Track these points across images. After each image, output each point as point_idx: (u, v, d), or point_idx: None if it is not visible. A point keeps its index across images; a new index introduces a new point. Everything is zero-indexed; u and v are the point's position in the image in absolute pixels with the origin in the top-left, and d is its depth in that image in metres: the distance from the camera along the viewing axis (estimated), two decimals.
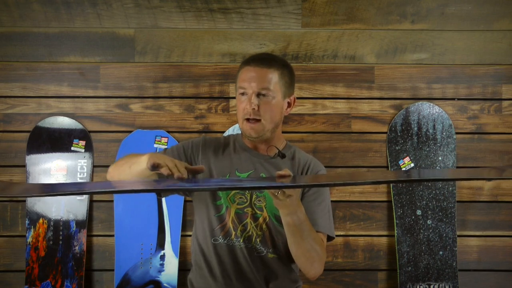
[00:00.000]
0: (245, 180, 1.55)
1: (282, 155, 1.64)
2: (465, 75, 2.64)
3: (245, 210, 1.62)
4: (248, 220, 1.61)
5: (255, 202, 1.62)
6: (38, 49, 2.60)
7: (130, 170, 1.50)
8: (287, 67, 1.67)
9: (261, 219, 1.61)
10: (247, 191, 1.62)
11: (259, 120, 1.60)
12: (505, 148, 2.64)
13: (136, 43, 2.61)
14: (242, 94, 1.61)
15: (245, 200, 1.62)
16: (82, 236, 2.53)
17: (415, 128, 2.60)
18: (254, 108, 1.58)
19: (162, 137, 2.58)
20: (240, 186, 1.47)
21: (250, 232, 1.61)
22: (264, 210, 1.61)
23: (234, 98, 2.59)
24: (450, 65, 2.64)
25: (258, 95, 1.59)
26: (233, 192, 1.61)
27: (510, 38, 2.64)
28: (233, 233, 1.61)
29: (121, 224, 2.52)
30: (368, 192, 2.62)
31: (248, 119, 1.60)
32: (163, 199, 2.52)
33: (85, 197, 2.56)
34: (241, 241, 1.61)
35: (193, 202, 1.71)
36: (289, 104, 1.68)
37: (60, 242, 2.53)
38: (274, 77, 1.61)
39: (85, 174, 2.57)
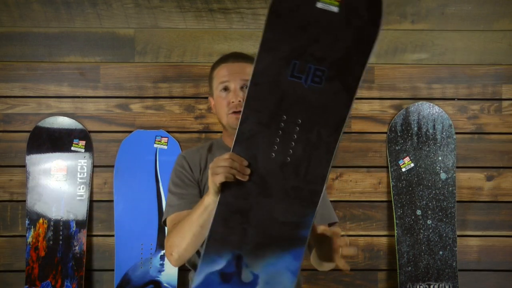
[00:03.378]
0: None
1: None
2: (465, 75, 2.64)
3: None
4: None
5: None
6: (38, 49, 2.60)
7: (193, 224, 1.42)
8: None
9: None
10: None
11: None
12: (505, 148, 2.64)
13: (136, 43, 2.61)
14: (224, 89, 1.64)
15: None
16: (82, 236, 2.53)
17: (415, 128, 2.60)
18: (240, 100, 1.60)
19: (162, 137, 2.58)
20: None
21: None
22: None
23: None
24: (450, 65, 2.64)
25: (242, 88, 1.62)
26: None
27: (510, 38, 2.64)
28: None
29: (121, 224, 2.52)
30: (368, 192, 2.62)
31: (235, 112, 1.61)
32: (163, 198, 2.52)
33: (85, 197, 2.56)
34: None
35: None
36: None
37: (60, 242, 2.53)
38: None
39: (85, 174, 2.57)
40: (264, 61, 1.32)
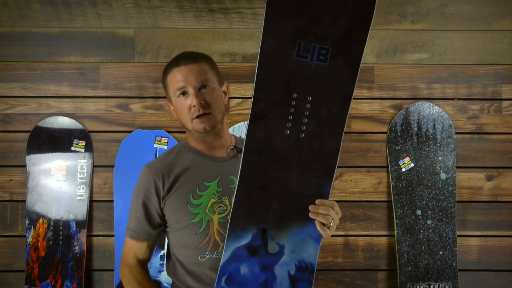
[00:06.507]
0: None
1: (240, 150, 1.63)
2: (465, 75, 2.64)
3: (227, 217, 1.54)
4: None
5: None
6: (38, 49, 2.60)
7: None
8: (210, 58, 1.67)
9: None
10: (224, 197, 1.58)
11: (209, 113, 1.57)
12: (505, 148, 2.64)
13: (136, 43, 2.61)
14: (182, 94, 1.58)
15: (225, 208, 1.57)
16: (82, 236, 2.53)
17: (415, 128, 2.60)
18: (201, 103, 1.56)
19: (162, 137, 2.58)
20: None
21: None
22: None
23: (235, 98, 2.60)
24: (450, 65, 2.64)
25: (200, 89, 1.57)
26: (210, 202, 1.57)
27: (510, 38, 2.64)
28: (221, 244, 1.55)
29: (121, 224, 2.52)
30: (368, 192, 2.62)
31: (198, 116, 1.57)
32: None
33: (85, 197, 2.56)
34: None
35: (168, 232, 1.62)
36: (225, 93, 1.67)
37: (60, 242, 2.53)
38: (206, 68, 1.61)
39: (85, 174, 2.57)
40: (269, 42, 1.37)
